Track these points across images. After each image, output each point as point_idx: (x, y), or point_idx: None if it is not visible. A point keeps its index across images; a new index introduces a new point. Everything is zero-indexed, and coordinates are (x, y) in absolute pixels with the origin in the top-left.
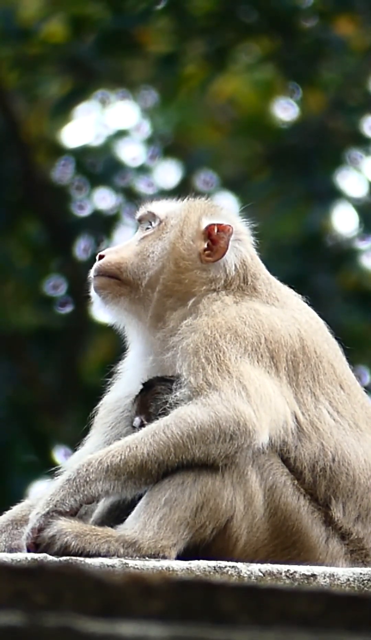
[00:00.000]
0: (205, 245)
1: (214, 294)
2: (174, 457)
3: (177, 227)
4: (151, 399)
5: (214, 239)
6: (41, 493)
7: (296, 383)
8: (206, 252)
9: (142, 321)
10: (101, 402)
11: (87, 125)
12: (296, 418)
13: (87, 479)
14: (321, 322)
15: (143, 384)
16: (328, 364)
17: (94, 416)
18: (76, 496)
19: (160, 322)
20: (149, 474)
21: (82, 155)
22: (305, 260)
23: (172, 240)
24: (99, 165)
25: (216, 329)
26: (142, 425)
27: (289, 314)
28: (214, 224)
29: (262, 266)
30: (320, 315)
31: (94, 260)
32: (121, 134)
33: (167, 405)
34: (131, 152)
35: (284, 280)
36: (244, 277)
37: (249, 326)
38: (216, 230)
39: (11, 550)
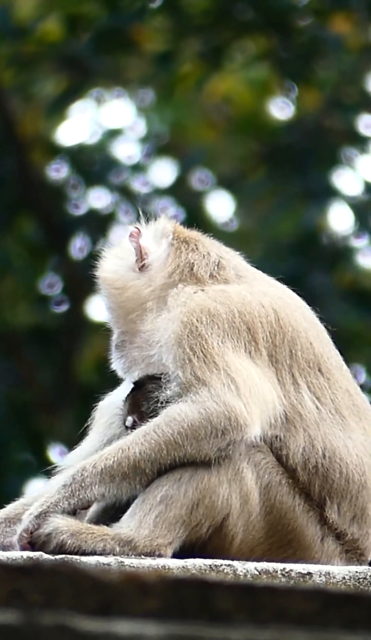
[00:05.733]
0: (134, 258)
1: (174, 289)
2: (167, 454)
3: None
4: (143, 398)
5: (138, 248)
6: (37, 492)
7: (276, 359)
8: (137, 261)
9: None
10: (96, 408)
11: (82, 123)
12: (281, 402)
13: (83, 484)
14: (302, 302)
15: (134, 383)
16: (306, 340)
17: (91, 420)
18: (70, 500)
19: (137, 333)
20: (143, 473)
21: (77, 154)
22: (301, 259)
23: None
24: (94, 163)
25: (192, 314)
26: (134, 424)
27: (258, 288)
28: (129, 235)
29: (226, 254)
30: (317, 314)
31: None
32: (117, 132)
33: (159, 403)
34: (127, 151)
35: (281, 279)
36: (190, 266)
37: (221, 303)
38: (129, 239)
39: (3, 548)
